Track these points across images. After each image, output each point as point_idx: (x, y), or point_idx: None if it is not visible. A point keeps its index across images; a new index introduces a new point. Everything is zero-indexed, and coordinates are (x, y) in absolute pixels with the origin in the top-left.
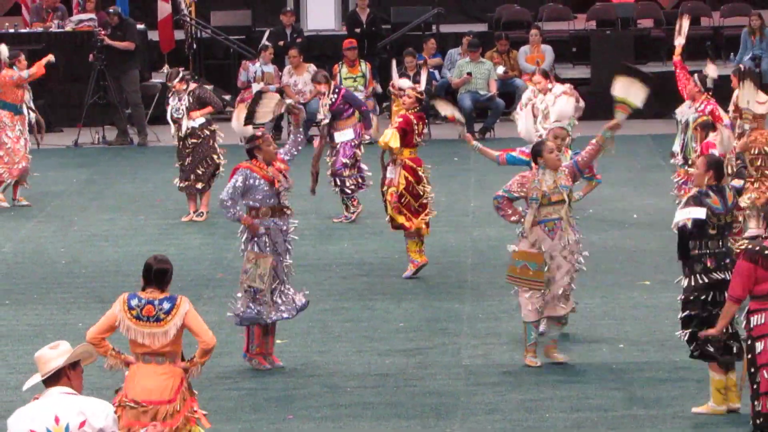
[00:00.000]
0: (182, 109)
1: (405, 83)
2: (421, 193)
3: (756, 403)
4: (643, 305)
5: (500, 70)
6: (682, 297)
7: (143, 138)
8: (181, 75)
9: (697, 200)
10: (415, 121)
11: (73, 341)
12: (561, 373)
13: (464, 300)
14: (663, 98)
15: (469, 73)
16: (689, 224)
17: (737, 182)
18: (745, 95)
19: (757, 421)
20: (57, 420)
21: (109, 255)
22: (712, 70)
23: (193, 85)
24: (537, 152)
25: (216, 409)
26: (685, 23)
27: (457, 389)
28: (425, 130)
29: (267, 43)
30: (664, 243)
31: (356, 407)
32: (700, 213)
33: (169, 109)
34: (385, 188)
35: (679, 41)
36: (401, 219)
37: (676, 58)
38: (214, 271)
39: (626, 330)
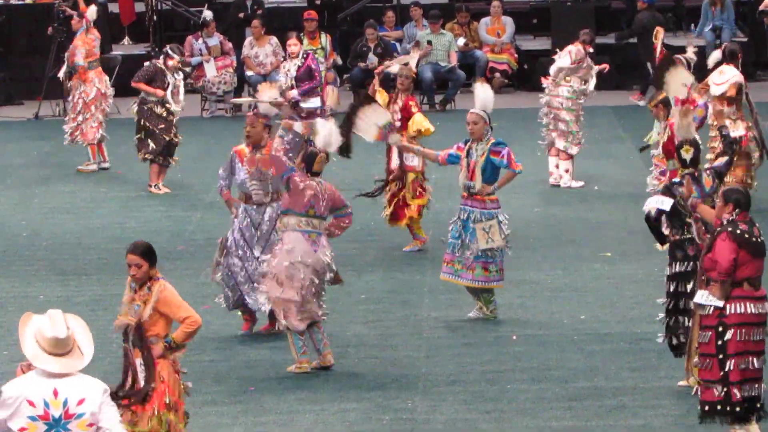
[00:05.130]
0: (180, 87)
1: (395, 67)
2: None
3: (723, 389)
4: (605, 277)
5: (461, 41)
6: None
7: None
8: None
9: (668, 190)
10: None
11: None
12: (522, 344)
13: (425, 272)
14: (623, 70)
15: (429, 42)
16: (653, 212)
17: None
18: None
19: (727, 408)
20: (56, 393)
21: (70, 227)
22: (690, 53)
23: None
24: (312, 161)
25: None
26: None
27: (418, 361)
28: None
29: (208, 18)
30: (625, 215)
31: (317, 379)
32: (667, 204)
33: (171, 86)
34: (403, 175)
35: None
36: (420, 201)
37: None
38: (174, 243)
39: (587, 302)
